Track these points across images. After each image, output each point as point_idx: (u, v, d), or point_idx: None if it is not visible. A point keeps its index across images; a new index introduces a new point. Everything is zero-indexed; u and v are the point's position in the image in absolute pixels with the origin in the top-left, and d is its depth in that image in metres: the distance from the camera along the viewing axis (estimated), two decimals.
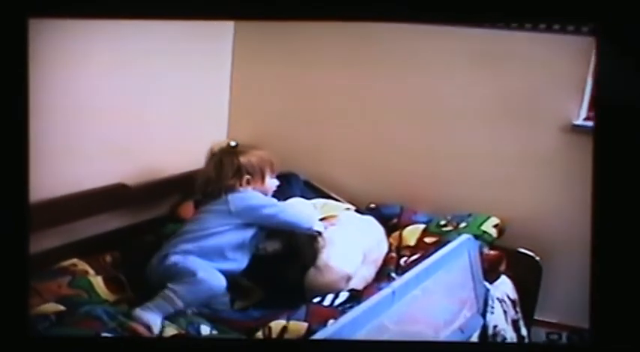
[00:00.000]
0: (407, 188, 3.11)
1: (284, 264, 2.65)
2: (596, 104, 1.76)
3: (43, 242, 2.54)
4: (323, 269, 2.47)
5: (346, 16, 1.77)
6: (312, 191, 3.20)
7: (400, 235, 2.85)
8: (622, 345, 1.71)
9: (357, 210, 2.97)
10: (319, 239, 2.57)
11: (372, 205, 3.06)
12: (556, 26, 2.71)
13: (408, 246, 2.79)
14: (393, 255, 2.73)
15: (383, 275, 2.61)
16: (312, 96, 3.33)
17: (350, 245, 2.57)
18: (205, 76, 3.31)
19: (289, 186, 3.14)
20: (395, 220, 2.95)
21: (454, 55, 2.97)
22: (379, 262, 2.67)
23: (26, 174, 1.67)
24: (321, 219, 2.70)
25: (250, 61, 3.39)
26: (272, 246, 2.67)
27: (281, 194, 2.91)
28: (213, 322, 2.25)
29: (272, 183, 2.68)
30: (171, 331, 2.15)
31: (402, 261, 2.69)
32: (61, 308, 2.16)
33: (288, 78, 3.36)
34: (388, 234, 2.85)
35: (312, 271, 2.49)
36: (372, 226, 2.79)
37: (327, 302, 2.31)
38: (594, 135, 1.71)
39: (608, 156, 1.68)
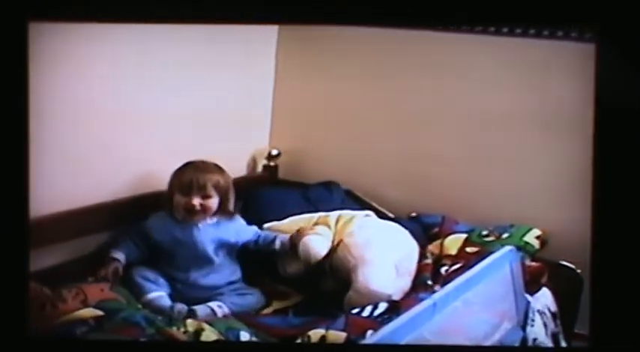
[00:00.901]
0: (448, 197, 3.08)
1: (320, 277, 2.66)
2: (597, 106, 1.77)
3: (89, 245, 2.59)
4: (363, 292, 2.44)
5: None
6: (353, 200, 3.17)
7: (441, 244, 2.82)
8: (622, 346, 1.71)
9: (390, 219, 2.96)
10: (348, 257, 2.55)
11: (413, 214, 3.04)
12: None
13: (449, 256, 2.75)
14: (428, 262, 2.69)
15: (419, 284, 2.58)
16: (354, 105, 3.31)
17: (382, 262, 2.54)
18: (248, 83, 3.31)
19: (330, 194, 3.13)
20: (436, 229, 2.93)
21: (495, 64, 2.95)
22: (413, 272, 2.63)
23: (26, 175, 1.69)
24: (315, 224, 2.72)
25: (294, 68, 3.40)
26: (293, 268, 2.69)
27: (322, 203, 2.94)
28: (252, 328, 2.25)
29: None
30: (210, 336, 2.14)
31: (443, 270, 2.65)
32: (100, 313, 2.17)
33: (331, 86, 3.34)
34: (429, 242, 2.83)
35: (352, 294, 2.46)
36: (398, 235, 2.76)
37: (366, 313, 2.28)
38: (594, 138, 1.72)
39: (608, 159, 1.70)
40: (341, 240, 2.65)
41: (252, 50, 3.27)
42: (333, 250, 2.63)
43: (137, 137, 2.74)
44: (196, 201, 2.55)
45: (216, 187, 2.58)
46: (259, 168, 3.45)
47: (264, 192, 3.08)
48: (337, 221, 2.75)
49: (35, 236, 2.13)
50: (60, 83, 2.26)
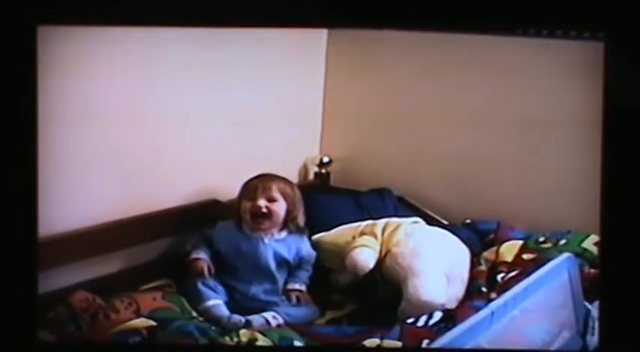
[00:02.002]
0: (504, 203, 3.05)
1: (372, 285, 2.64)
2: (605, 107, 1.80)
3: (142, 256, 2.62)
4: (415, 303, 2.41)
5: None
6: (405, 207, 3.17)
7: (497, 251, 2.79)
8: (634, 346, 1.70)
9: (443, 226, 2.93)
10: (397, 268, 2.53)
11: (468, 221, 3.03)
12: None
13: (505, 262, 2.72)
14: (483, 269, 2.67)
15: (474, 291, 2.56)
16: (406, 109, 3.30)
17: (432, 270, 2.51)
18: (299, 89, 3.33)
19: (382, 201, 3.12)
20: (492, 236, 2.91)
21: (547, 66, 2.91)
22: (465, 278, 2.62)
23: (35, 174, 1.70)
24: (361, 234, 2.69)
25: (344, 73, 3.40)
26: (344, 279, 2.68)
27: (374, 210, 2.93)
28: (305, 337, 2.25)
29: None
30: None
31: (499, 277, 2.62)
32: (152, 323, 2.18)
33: (383, 90, 3.34)
34: (484, 250, 2.81)
35: (405, 305, 2.44)
36: (446, 241, 2.73)
37: (420, 322, 2.26)
38: (603, 138, 1.79)
39: (617, 159, 1.77)
40: (389, 250, 2.62)
41: (301, 55, 3.29)
42: (381, 260, 2.61)
43: (186, 143, 2.76)
44: (262, 203, 2.57)
45: (282, 192, 2.61)
46: (311, 176, 3.46)
47: (316, 199, 3.06)
48: (384, 229, 2.72)
49: (86, 246, 2.31)
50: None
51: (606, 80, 1.72)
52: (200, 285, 2.52)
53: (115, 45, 2.33)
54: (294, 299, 2.57)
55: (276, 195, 2.60)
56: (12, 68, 1.64)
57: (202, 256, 2.56)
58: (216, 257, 2.59)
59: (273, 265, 2.59)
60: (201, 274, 2.50)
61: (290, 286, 2.61)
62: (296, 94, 3.27)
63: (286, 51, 3.10)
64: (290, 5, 1.76)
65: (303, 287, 2.61)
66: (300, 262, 2.65)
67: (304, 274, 2.65)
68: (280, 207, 2.61)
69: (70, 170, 2.33)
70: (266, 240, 2.60)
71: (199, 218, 2.74)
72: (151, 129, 2.60)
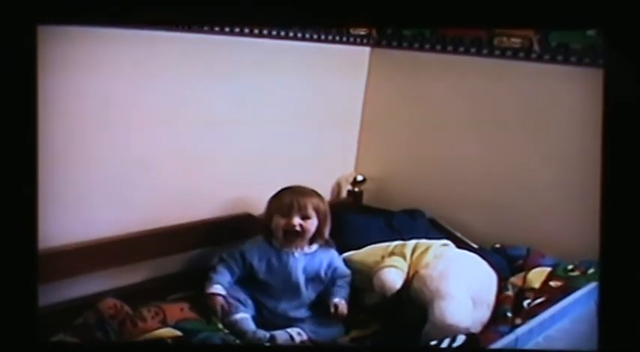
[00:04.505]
0: (534, 230, 3.03)
1: (398, 307, 2.61)
2: (605, 108, 1.78)
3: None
4: (440, 326, 2.37)
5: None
6: (436, 229, 3.15)
7: (525, 277, 2.76)
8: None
9: (473, 249, 2.90)
10: (424, 290, 2.50)
11: (498, 246, 3.00)
12: None
13: (532, 289, 2.68)
14: (509, 294, 2.63)
15: (499, 316, 2.53)
16: (441, 133, 3.29)
17: (459, 294, 2.47)
18: (336, 108, 3.31)
19: (414, 222, 3.12)
20: (521, 261, 2.88)
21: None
22: (492, 303, 2.58)
23: (35, 178, 1.66)
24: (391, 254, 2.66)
25: (384, 93, 3.40)
26: (371, 299, 2.66)
27: (405, 231, 2.92)
28: None
29: None
30: None
31: (525, 303, 2.59)
32: (178, 333, 2.19)
33: (420, 113, 3.33)
34: (512, 274, 2.78)
35: (429, 327, 2.41)
36: (475, 265, 2.69)
37: (444, 345, 2.23)
38: (602, 140, 1.77)
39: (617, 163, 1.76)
40: (417, 272, 2.59)
41: (342, 73, 3.27)
42: (408, 282, 2.58)
43: (218, 153, 2.76)
44: (296, 221, 2.54)
45: (317, 210, 2.58)
46: (343, 194, 3.45)
47: (348, 217, 3.06)
48: (413, 250, 2.69)
49: (117, 254, 2.33)
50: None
51: (605, 77, 1.72)
52: (230, 297, 2.51)
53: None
54: (332, 311, 2.54)
55: (311, 212, 2.58)
56: (12, 68, 1.62)
57: (219, 290, 2.50)
58: (248, 271, 2.57)
59: (302, 280, 2.58)
60: (216, 313, 2.46)
61: (332, 299, 2.58)
62: (333, 113, 3.28)
63: (325, 68, 3.11)
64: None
65: (344, 302, 2.57)
66: (333, 276, 2.64)
67: (343, 291, 2.61)
68: (312, 225, 2.59)
69: (94, 175, 2.33)
70: (296, 254, 2.59)
71: (230, 231, 2.74)
72: (178, 136, 2.59)
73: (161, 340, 2.12)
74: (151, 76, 2.41)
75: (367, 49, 3.35)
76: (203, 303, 2.48)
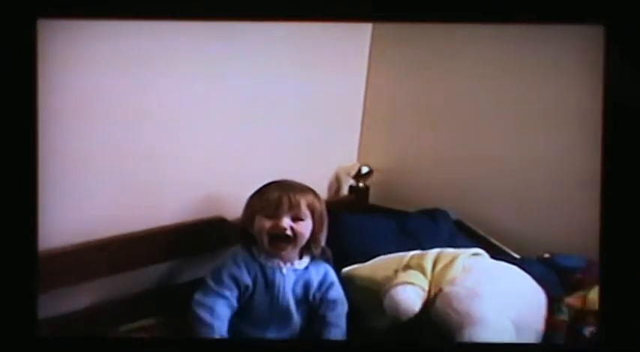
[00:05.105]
0: (595, 235, 2.50)
1: (416, 334, 2.34)
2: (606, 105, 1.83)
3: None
4: None
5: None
6: (464, 234, 2.84)
7: (585, 296, 2.41)
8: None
9: (512, 260, 2.59)
10: (451, 312, 2.24)
11: (546, 255, 2.67)
12: None
13: (595, 312, 2.31)
14: (563, 318, 2.34)
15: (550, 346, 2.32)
16: (462, 112, 2.96)
17: (496, 318, 2.22)
18: (334, 87, 3.01)
19: (435, 226, 2.81)
20: (578, 276, 2.55)
21: None
22: (540, 330, 2.31)
23: (35, 173, 1.71)
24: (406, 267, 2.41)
25: (388, 69, 3.10)
26: (380, 324, 2.37)
27: (424, 237, 2.70)
28: None
29: None
30: None
31: (586, 331, 2.27)
32: None
33: (436, 91, 3.01)
34: (567, 293, 2.45)
35: None
36: (517, 281, 2.42)
37: None
38: (603, 137, 1.80)
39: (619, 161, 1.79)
40: (440, 290, 2.30)
41: (343, 49, 3.02)
42: (429, 302, 2.29)
43: (182, 143, 2.49)
44: (286, 223, 2.21)
45: (311, 209, 2.28)
46: (344, 190, 3.17)
47: (350, 220, 2.78)
48: (435, 262, 2.40)
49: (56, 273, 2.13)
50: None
51: (606, 74, 1.79)
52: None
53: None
54: None
55: (305, 212, 2.25)
56: (12, 63, 1.67)
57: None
58: (244, 301, 2.29)
59: (292, 302, 2.27)
60: None
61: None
62: (330, 93, 3.00)
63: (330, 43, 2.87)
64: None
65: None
66: (322, 300, 2.32)
67: (338, 331, 2.33)
68: (306, 228, 2.25)
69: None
70: (284, 270, 2.26)
71: (197, 239, 2.48)
72: (151, 129, 2.38)
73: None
74: (155, 69, 2.33)
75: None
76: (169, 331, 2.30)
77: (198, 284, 2.29)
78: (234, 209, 2.46)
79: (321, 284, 2.31)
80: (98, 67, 2.17)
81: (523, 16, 1.97)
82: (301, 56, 2.81)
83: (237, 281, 2.25)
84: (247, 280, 2.25)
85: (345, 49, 3.02)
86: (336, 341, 2.24)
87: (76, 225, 2.20)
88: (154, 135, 2.39)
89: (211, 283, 2.24)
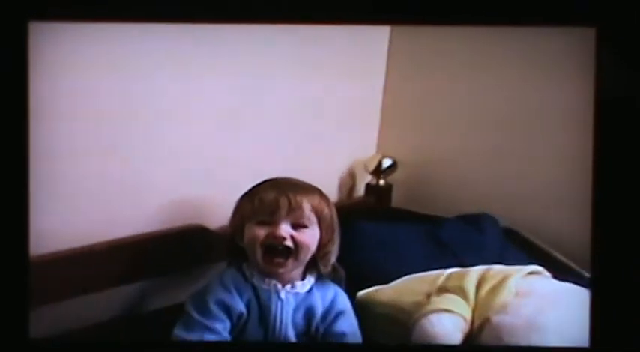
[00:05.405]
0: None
1: None
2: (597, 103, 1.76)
3: None
4: None
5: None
6: (518, 246, 2.42)
7: None
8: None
9: (577, 279, 2.19)
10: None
11: None
12: None
13: None
14: None
15: None
16: (503, 106, 2.61)
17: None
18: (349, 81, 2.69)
19: (480, 236, 2.40)
20: None
21: None
22: None
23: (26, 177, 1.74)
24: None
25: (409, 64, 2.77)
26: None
27: (464, 250, 2.31)
28: None
29: None
30: None
31: None
32: None
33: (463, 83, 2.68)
34: None
35: None
36: (586, 305, 2.02)
37: None
38: (594, 135, 1.74)
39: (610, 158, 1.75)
40: (487, 319, 1.95)
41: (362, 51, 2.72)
42: (473, 335, 1.97)
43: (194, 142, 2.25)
44: (285, 231, 1.85)
45: (318, 214, 1.91)
46: (360, 190, 2.75)
47: (368, 228, 2.37)
48: (479, 283, 2.03)
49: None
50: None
51: (597, 74, 1.76)
52: None
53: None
54: None
55: (309, 217, 1.87)
56: (3, 66, 1.69)
57: None
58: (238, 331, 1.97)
59: (292, 336, 1.91)
60: None
61: None
62: (335, 82, 2.65)
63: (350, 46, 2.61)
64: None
65: None
66: (332, 332, 1.93)
67: None
68: (311, 237, 1.87)
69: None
70: (282, 294, 1.88)
71: (172, 254, 2.11)
72: (142, 130, 2.17)
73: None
74: (149, 71, 2.19)
75: None
76: None
77: (175, 313, 1.89)
78: (217, 216, 2.14)
79: (326, 313, 1.93)
80: (91, 70, 2.03)
81: (519, 19, 1.91)
82: (301, 55, 2.51)
83: (228, 310, 1.89)
84: (240, 307, 1.88)
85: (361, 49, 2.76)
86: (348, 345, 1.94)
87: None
88: (145, 136, 2.14)
89: (194, 313, 1.87)
